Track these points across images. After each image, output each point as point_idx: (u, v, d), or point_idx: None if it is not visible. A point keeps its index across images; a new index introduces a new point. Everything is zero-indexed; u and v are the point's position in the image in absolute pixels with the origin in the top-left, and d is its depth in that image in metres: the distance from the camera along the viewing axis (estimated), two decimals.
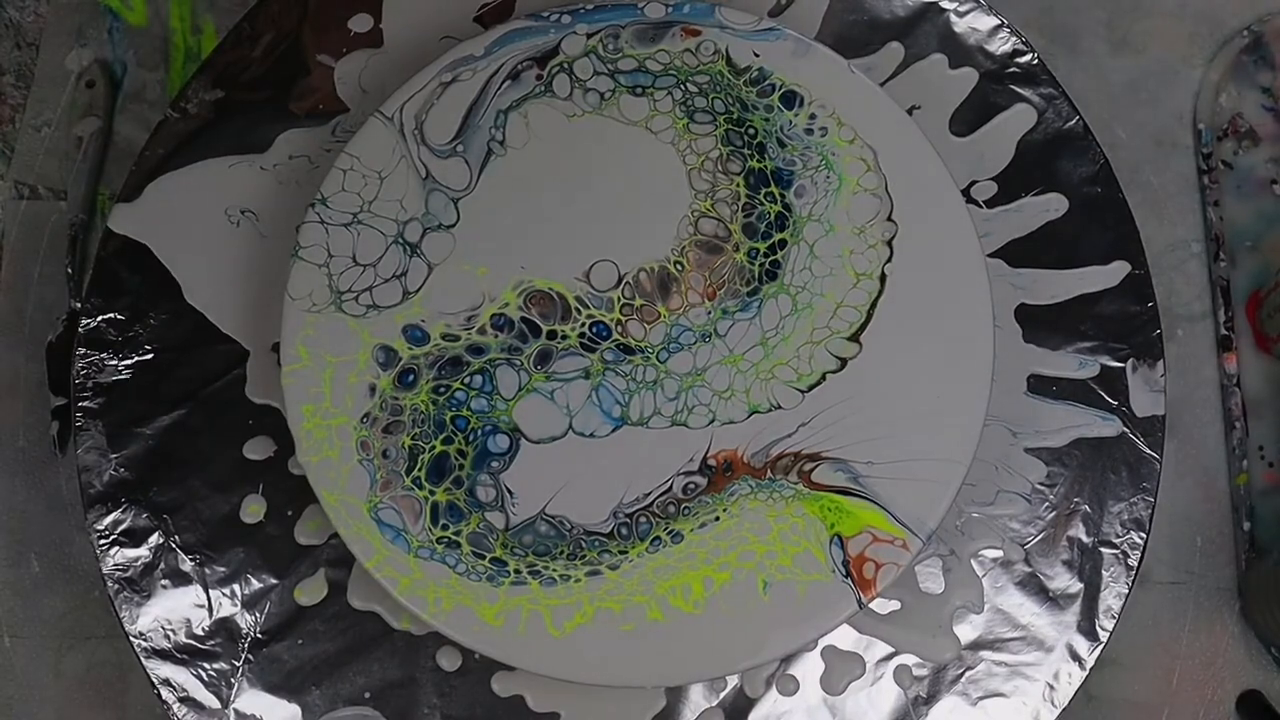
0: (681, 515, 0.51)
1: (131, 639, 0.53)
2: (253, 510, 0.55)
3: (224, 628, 0.54)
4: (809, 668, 0.53)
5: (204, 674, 0.53)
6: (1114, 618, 0.54)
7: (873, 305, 0.54)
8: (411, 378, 0.53)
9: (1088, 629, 0.54)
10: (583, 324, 0.54)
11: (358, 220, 0.55)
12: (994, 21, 0.62)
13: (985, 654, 0.54)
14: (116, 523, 0.55)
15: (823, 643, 0.53)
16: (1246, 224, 0.62)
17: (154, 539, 0.55)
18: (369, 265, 0.54)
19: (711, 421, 0.53)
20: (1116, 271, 0.58)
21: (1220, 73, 0.64)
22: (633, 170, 0.56)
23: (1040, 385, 0.57)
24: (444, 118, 0.57)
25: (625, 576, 0.50)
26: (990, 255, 0.58)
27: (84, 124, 0.65)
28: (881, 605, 0.54)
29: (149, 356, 0.58)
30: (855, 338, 0.54)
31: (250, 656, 0.53)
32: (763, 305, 0.54)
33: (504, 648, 0.50)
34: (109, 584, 0.54)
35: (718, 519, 0.51)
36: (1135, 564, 0.54)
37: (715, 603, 0.50)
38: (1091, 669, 0.53)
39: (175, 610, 0.54)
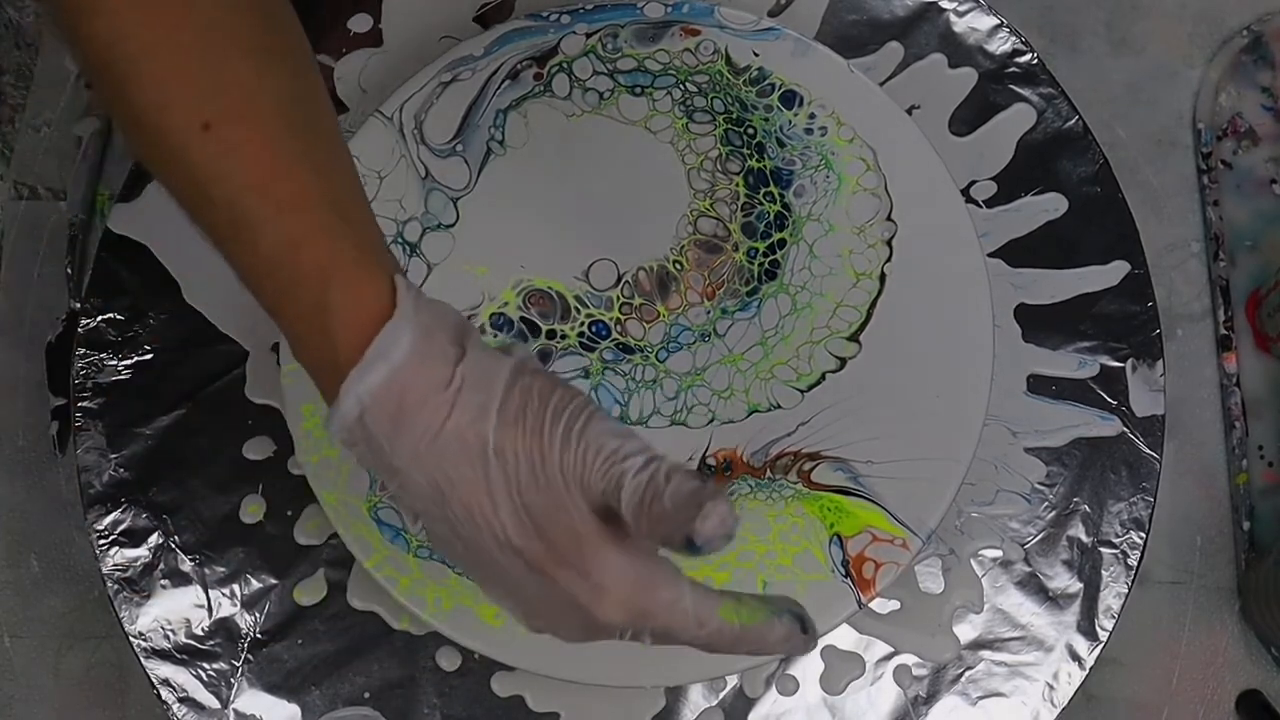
0: None
1: (131, 639, 0.53)
2: (252, 510, 0.55)
3: (224, 628, 0.54)
4: (809, 668, 0.53)
5: (204, 674, 0.53)
6: (1114, 617, 0.54)
7: (872, 305, 0.54)
8: None
9: (1087, 629, 0.54)
10: (582, 323, 0.54)
11: None
12: (993, 21, 0.62)
13: (985, 654, 0.53)
14: (116, 523, 0.55)
15: (822, 642, 0.53)
16: (1246, 224, 0.62)
17: (154, 539, 0.55)
18: None
19: (711, 421, 0.53)
20: (1116, 271, 0.58)
21: (1220, 72, 0.64)
22: (632, 170, 0.56)
23: (1040, 385, 0.57)
24: (443, 117, 0.57)
25: None
26: (990, 255, 0.58)
27: (84, 124, 0.65)
28: (881, 605, 0.54)
29: (149, 356, 0.58)
30: (855, 337, 0.54)
31: (250, 656, 0.53)
32: (762, 305, 0.55)
33: (504, 648, 0.50)
34: (109, 584, 0.54)
35: None
36: (1135, 564, 0.54)
37: None
38: (1091, 669, 0.53)
39: (175, 610, 0.54)
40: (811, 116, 0.57)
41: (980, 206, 0.59)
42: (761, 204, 0.56)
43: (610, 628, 0.37)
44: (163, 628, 0.54)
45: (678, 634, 0.37)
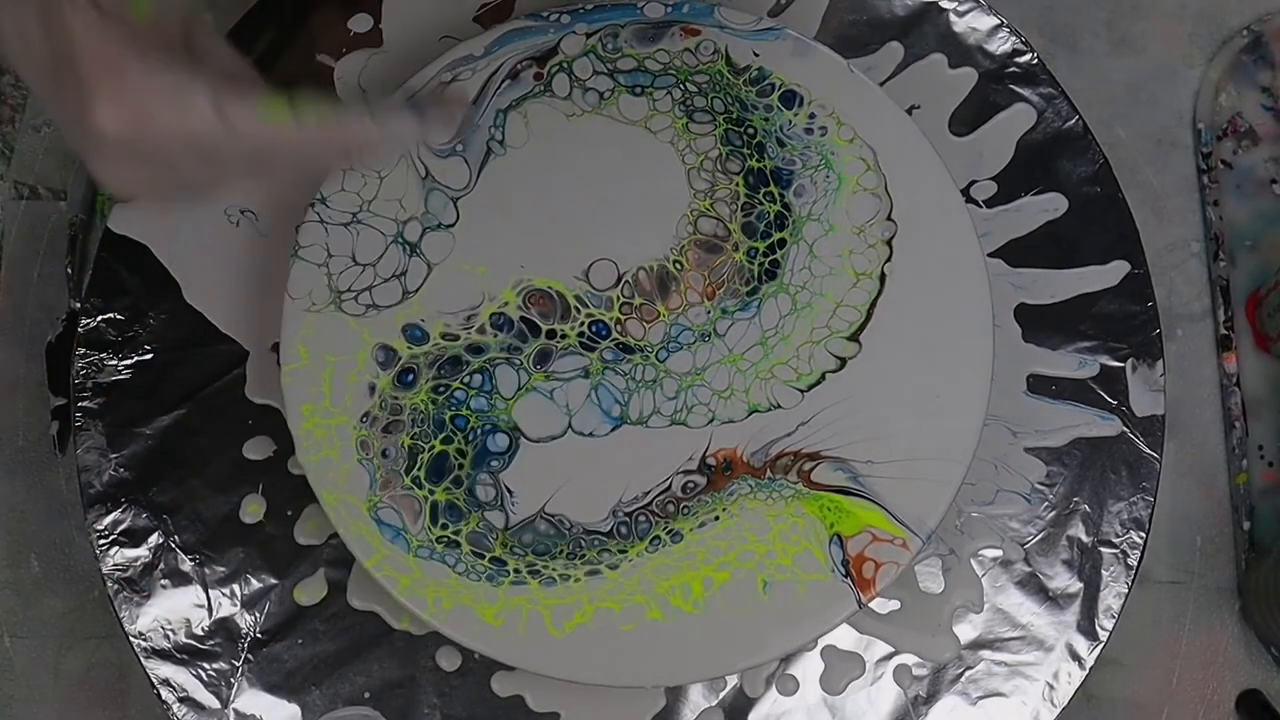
0: (681, 514, 0.51)
1: (131, 639, 0.53)
2: (252, 510, 0.55)
3: (224, 628, 0.54)
4: (809, 667, 0.53)
5: (204, 674, 0.53)
6: (1114, 617, 0.54)
7: (872, 305, 0.54)
8: (411, 377, 0.53)
9: (1087, 628, 0.54)
10: (582, 323, 0.54)
11: (357, 220, 0.55)
12: (994, 21, 0.62)
13: (985, 653, 0.54)
14: (116, 523, 0.55)
15: (822, 642, 0.53)
16: (1246, 224, 0.62)
17: (154, 539, 0.55)
18: (368, 265, 0.54)
19: (711, 420, 0.53)
20: (1116, 271, 0.58)
21: (1220, 72, 0.64)
22: (632, 169, 0.56)
23: (1040, 385, 0.57)
24: None
25: (625, 576, 0.50)
26: (990, 255, 0.58)
27: None
28: (881, 605, 0.54)
29: (149, 356, 0.58)
30: (855, 337, 0.54)
31: (250, 656, 0.53)
32: (762, 305, 0.54)
33: (504, 648, 0.50)
34: (109, 584, 0.54)
35: (717, 518, 0.51)
36: (1135, 564, 0.54)
37: (715, 603, 0.50)
38: (1091, 669, 0.53)
39: (175, 610, 0.54)
40: (811, 116, 0.57)
41: (980, 206, 0.59)
42: (761, 204, 0.56)
43: (106, 138, 0.30)
44: (163, 628, 0.54)
45: (203, 142, 0.30)
